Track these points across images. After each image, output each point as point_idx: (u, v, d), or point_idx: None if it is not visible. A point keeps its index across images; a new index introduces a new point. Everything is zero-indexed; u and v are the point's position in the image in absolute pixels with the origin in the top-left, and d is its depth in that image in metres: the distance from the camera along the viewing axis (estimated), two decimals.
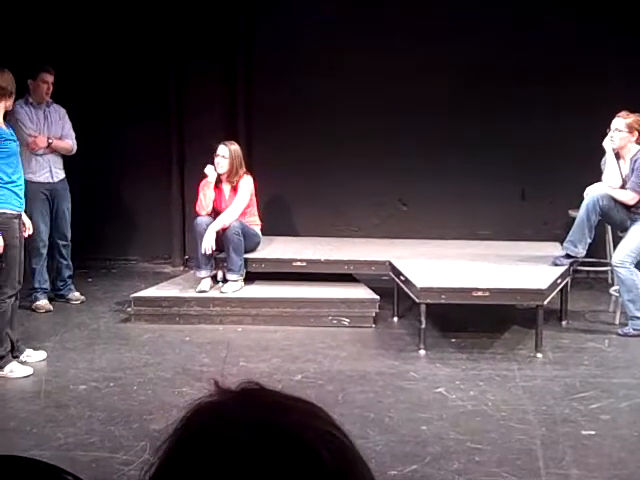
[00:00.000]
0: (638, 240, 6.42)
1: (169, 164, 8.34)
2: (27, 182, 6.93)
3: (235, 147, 7.08)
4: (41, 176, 7.08)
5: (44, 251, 7.13)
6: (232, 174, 7.02)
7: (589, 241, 6.68)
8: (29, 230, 6.06)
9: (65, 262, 7.31)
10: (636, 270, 6.39)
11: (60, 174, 7.21)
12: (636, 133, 6.56)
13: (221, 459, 0.92)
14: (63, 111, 7.25)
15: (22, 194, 5.76)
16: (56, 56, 7.66)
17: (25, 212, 6.90)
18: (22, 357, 5.91)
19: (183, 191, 8.30)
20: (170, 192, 8.37)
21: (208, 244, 6.82)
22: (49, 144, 7.06)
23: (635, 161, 6.56)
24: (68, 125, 7.25)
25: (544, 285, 6.14)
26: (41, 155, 7.08)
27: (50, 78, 7.09)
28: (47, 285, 7.21)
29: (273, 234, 7.58)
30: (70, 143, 7.20)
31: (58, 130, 7.18)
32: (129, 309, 6.91)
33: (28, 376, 5.70)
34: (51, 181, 7.13)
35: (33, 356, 5.99)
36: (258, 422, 0.94)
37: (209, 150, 7.07)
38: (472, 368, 5.82)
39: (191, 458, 0.93)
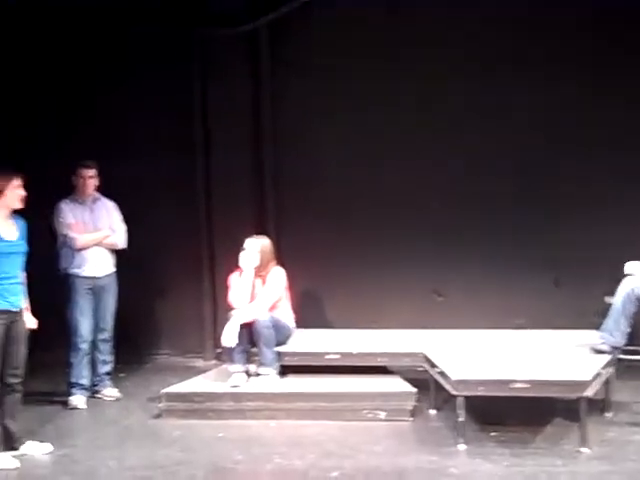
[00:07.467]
0: None
1: (200, 258, 8.37)
2: (72, 276, 7.03)
3: (264, 241, 7.11)
4: (85, 271, 7.08)
5: (83, 346, 7.09)
6: (262, 268, 7.01)
7: (628, 330, 6.52)
8: (32, 325, 5.94)
9: (101, 357, 7.25)
10: None
11: (106, 269, 7.21)
12: None
13: None
14: (111, 205, 7.30)
15: (13, 292, 5.69)
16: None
17: (66, 305, 6.93)
18: (22, 449, 5.82)
19: (214, 285, 8.30)
20: (201, 286, 8.38)
21: (229, 336, 6.73)
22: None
23: None
24: (116, 219, 7.28)
25: (588, 376, 5.98)
26: (84, 250, 7.07)
27: (87, 172, 7.16)
28: (85, 381, 7.13)
29: (305, 326, 7.51)
30: (114, 238, 7.20)
31: (105, 224, 7.22)
32: (160, 405, 6.82)
33: (14, 469, 5.60)
34: (96, 275, 7.12)
35: (36, 449, 5.87)
36: None
37: (238, 243, 7.07)
38: (515, 464, 5.63)
39: None
